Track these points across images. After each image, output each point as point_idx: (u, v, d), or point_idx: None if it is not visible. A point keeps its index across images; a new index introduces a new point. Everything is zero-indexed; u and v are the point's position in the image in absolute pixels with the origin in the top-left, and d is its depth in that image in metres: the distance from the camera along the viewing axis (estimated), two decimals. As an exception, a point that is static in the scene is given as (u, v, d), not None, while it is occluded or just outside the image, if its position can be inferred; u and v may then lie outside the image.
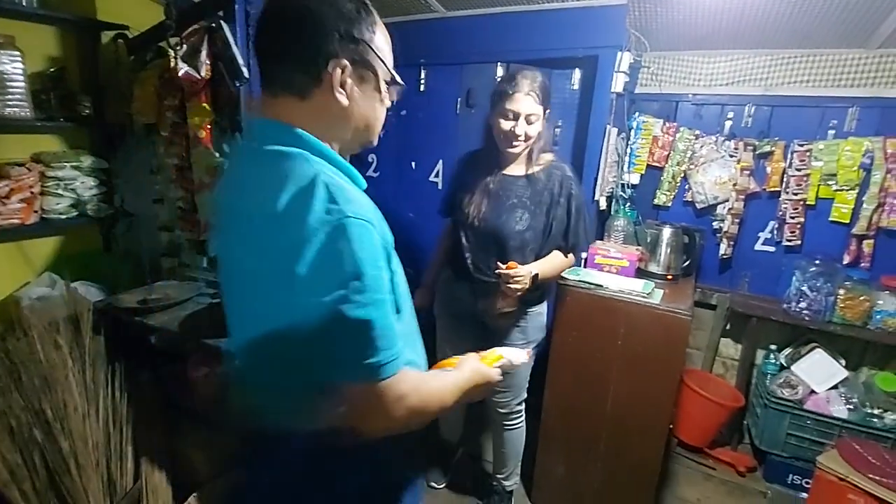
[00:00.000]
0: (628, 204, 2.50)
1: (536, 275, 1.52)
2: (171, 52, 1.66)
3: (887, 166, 2.06)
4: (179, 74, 1.67)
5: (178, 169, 1.92)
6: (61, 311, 1.70)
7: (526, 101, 1.43)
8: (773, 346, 2.38)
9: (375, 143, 0.83)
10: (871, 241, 2.15)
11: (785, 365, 2.31)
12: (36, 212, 1.96)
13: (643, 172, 2.52)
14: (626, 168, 2.49)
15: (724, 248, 2.41)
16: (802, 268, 2.20)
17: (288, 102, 0.73)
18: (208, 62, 1.65)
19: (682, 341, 1.64)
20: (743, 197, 2.33)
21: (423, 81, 2.50)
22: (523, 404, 1.85)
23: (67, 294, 1.77)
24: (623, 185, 2.47)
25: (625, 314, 1.72)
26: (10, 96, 1.81)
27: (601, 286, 1.77)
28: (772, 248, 2.38)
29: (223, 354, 1.54)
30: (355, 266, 0.64)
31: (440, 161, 2.57)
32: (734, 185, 2.33)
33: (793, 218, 2.26)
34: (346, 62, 0.71)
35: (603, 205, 2.24)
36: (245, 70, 1.60)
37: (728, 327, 2.53)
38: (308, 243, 0.63)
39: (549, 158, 1.61)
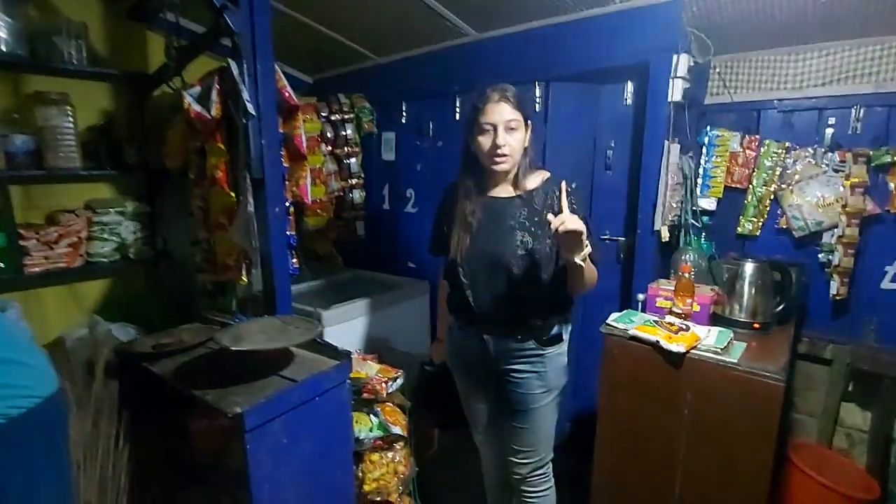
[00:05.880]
0: (703, 234, 2.08)
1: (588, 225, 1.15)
2: (184, 94, 1.66)
3: None
4: (191, 115, 1.66)
5: (201, 210, 1.91)
6: (92, 352, 1.69)
7: (500, 107, 1.26)
8: (919, 418, 1.79)
9: None
10: None
11: (941, 445, 1.71)
12: (81, 255, 2.04)
13: (720, 196, 2.10)
14: (697, 192, 2.09)
15: (836, 287, 1.89)
16: (956, 313, 1.64)
17: None
18: (218, 100, 1.63)
19: (773, 415, 1.22)
20: (857, 221, 1.82)
21: (458, 110, 2.35)
22: (550, 467, 1.50)
23: (90, 336, 1.77)
24: (694, 211, 2.07)
25: (692, 375, 1.34)
26: (62, 149, 1.93)
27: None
28: (906, 287, 1.82)
29: (214, 409, 1.40)
30: None
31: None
32: (843, 206, 1.83)
33: (935, 247, 1.71)
34: None
35: (665, 236, 1.86)
36: (250, 105, 1.55)
37: (850, 389, 1.96)
38: None
39: (545, 175, 1.40)
